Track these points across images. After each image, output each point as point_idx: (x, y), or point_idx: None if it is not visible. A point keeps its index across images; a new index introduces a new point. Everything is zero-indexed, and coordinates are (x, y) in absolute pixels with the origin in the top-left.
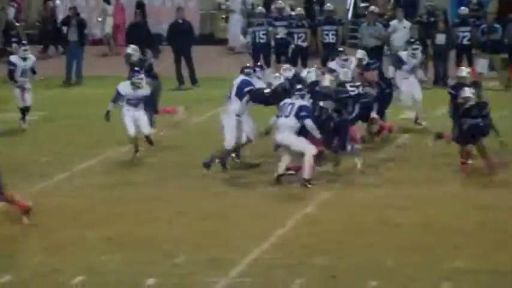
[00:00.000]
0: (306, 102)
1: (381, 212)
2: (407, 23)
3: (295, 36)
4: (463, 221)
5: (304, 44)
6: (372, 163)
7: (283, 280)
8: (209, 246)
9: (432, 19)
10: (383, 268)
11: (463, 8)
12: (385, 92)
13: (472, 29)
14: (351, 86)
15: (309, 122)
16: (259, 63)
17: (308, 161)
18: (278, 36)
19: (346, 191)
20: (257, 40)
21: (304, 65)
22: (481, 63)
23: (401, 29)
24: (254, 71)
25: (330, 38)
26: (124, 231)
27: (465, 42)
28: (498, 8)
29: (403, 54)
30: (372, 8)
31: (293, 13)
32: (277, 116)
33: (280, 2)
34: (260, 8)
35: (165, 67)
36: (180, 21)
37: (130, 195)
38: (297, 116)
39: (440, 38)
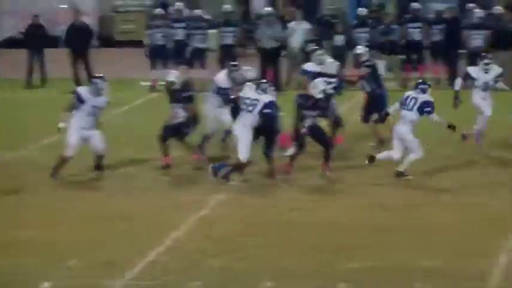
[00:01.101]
0: (429, 97)
1: (281, 213)
2: (305, 25)
3: (194, 38)
4: (365, 221)
5: (203, 46)
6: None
7: (179, 283)
8: (104, 249)
9: (331, 20)
10: (281, 269)
11: (361, 9)
12: (376, 93)
13: (370, 30)
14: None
15: (433, 117)
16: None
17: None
18: (177, 38)
19: (243, 193)
20: (155, 42)
21: (203, 67)
22: (379, 65)
23: (299, 31)
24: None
25: (229, 40)
26: (24, 234)
27: (364, 43)
28: (397, 9)
29: (472, 70)
30: (269, 9)
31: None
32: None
33: (178, 3)
34: (158, 9)
35: (63, 69)
36: (78, 23)
37: (30, 199)
38: (420, 110)
39: (339, 39)
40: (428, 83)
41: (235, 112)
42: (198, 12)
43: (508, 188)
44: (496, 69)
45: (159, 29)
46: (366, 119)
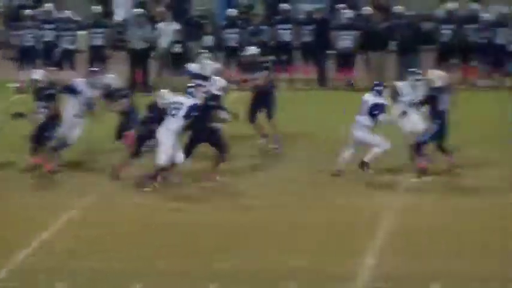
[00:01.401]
0: (383, 100)
1: (150, 214)
2: (175, 25)
3: (63, 39)
4: (231, 221)
5: (72, 47)
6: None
7: (46, 284)
8: None
9: (201, 21)
10: (152, 270)
11: (230, 10)
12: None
13: (239, 31)
14: None
15: (382, 119)
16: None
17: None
18: (46, 39)
19: (112, 194)
20: (23, 43)
21: (72, 68)
22: None
23: (169, 31)
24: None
25: (99, 41)
26: None
27: (233, 44)
28: (267, 10)
29: (402, 85)
30: (139, 10)
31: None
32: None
33: (48, 5)
34: (28, 10)
35: None
36: None
37: None
38: (370, 114)
39: (208, 40)
40: (384, 84)
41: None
42: (67, 13)
43: (385, 189)
44: (422, 89)
45: (29, 30)
46: (252, 119)
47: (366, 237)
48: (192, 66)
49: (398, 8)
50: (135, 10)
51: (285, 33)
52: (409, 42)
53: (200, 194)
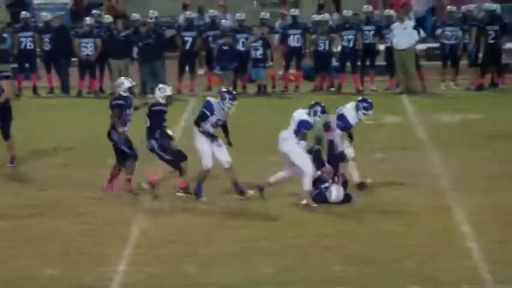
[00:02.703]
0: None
1: None
2: None
3: None
4: None
5: None
6: None
7: None
8: None
9: None
10: None
11: None
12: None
13: None
14: None
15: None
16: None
17: None
18: None
19: None
20: None
21: None
22: None
23: None
24: None
25: None
26: None
27: None
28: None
29: (302, 115)
30: None
31: None
32: None
33: None
34: None
35: None
36: None
37: None
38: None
39: None
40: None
41: None
42: None
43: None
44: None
45: None
46: (6, 135)
47: (118, 244)
48: None
49: (135, 16)
50: None
51: (27, 41)
52: (151, 49)
53: None
